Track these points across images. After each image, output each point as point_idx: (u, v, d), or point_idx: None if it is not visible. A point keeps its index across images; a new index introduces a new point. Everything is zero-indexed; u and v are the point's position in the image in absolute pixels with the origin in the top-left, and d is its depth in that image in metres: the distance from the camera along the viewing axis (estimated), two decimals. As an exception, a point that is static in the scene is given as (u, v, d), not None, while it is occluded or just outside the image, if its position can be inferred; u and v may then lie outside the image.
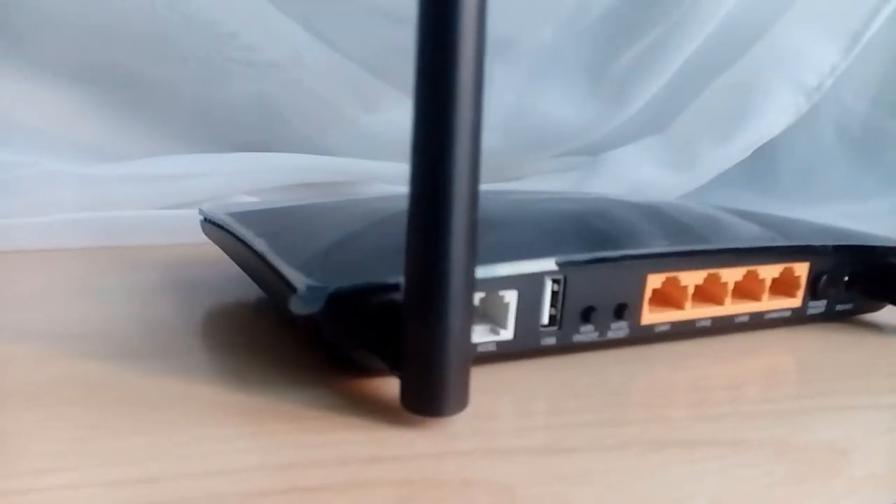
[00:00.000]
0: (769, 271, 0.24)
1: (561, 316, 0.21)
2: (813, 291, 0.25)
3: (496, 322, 0.20)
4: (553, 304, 0.21)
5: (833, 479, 0.16)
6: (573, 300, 0.21)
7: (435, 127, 0.14)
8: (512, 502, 0.14)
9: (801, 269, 0.25)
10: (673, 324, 0.23)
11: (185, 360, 0.20)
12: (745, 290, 0.25)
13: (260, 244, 0.21)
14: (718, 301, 0.24)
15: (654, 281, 0.22)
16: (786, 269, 0.25)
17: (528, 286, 0.20)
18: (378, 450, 0.16)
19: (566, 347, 0.21)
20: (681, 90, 0.48)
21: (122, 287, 0.28)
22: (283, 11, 0.39)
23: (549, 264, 0.20)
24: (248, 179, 0.39)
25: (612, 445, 0.17)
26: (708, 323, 0.24)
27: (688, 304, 0.23)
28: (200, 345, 0.22)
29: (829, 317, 0.27)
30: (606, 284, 0.21)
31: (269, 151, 0.42)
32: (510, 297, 0.20)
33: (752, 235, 0.26)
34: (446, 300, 0.15)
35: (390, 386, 0.18)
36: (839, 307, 0.27)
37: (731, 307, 0.24)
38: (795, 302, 0.25)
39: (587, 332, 0.22)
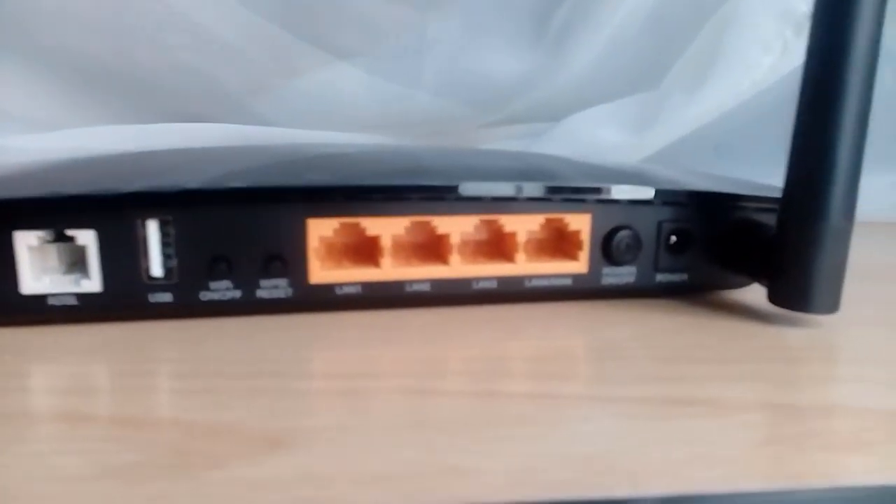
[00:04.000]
0: (519, 223, 0.18)
1: (179, 268, 0.17)
2: (607, 254, 0.19)
3: (83, 271, 0.16)
4: (172, 254, 0.17)
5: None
6: (194, 248, 0.17)
7: None
8: None
9: (580, 222, 0.19)
10: (365, 285, 0.18)
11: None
12: (496, 248, 0.19)
13: None
14: (441, 260, 0.18)
15: (321, 227, 0.17)
16: (549, 220, 0.18)
17: (113, 226, 0.16)
18: None
19: (195, 308, 0.17)
20: (672, 40, 0.40)
21: None
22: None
23: (147, 199, 0.16)
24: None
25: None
26: (425, 287, 0.18)
27: (385, 260, 0.18)
28: None
29: (648, 291, 0.20)
30: (245, 230, 0.17)
31: (204, 122, 0.41)
32: (86, 238, 0.16)
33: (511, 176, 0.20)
34: None
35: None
36: (661, 278, 0.20)
37: (461, 269, 0.18)
38: (578, 266, 0.19)
39: (222, 290, 0.17)
